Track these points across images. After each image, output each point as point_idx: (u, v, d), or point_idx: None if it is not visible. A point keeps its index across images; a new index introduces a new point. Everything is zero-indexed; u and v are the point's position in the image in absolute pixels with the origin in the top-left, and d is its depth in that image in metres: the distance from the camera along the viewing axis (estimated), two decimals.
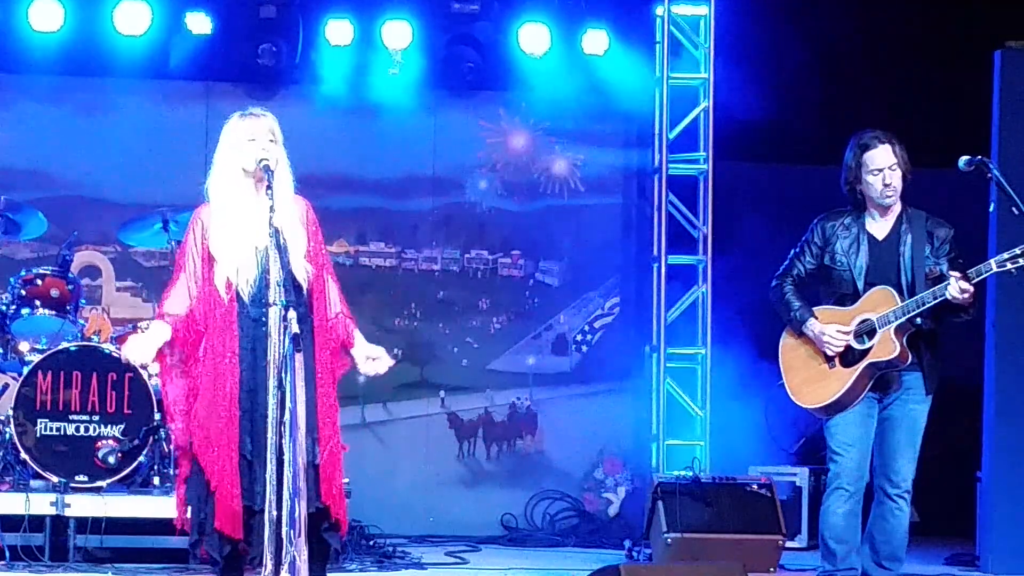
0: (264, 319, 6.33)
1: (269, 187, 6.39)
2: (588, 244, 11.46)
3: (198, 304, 6.46)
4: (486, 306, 11.44)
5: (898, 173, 7.26)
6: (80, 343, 9.24)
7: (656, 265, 10.96)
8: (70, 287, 9.50)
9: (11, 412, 9.00)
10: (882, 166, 7.25)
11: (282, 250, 6.33)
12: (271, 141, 6.52)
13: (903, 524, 7.33)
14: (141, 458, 9.07)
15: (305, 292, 6.47)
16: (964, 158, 7.26)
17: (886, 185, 7.26)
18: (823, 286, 7.42)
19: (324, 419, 6.46)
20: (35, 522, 8.73)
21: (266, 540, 6.17)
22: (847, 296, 7.30)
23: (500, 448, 11.39)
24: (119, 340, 9.41)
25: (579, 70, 11.10)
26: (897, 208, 7.34)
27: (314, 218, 6.64)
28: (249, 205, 6.50)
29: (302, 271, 6.46)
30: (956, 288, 7.01)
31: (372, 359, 6.64)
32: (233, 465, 6.37)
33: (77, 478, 8.93)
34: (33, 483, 8.91)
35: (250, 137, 6.51)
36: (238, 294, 6.44)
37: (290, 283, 6.33)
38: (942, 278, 7.12)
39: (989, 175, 7.30)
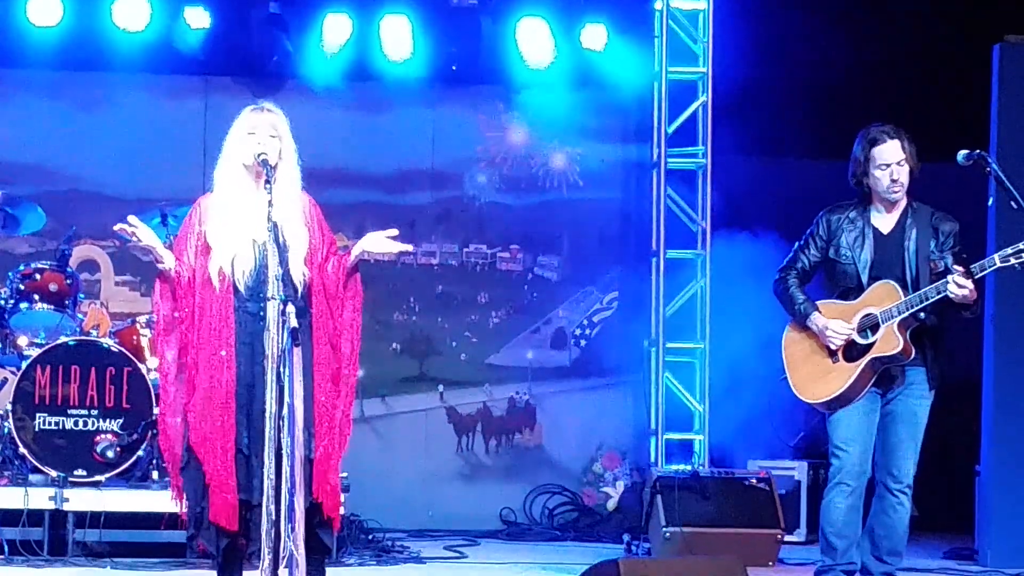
0: (262, 313, 6.29)
1: (268, 181, 6.34)
2: (587, 238, 11.43)
3: (191, 286, 6.41)
4: (485, 300, 11.42)
5: (906, 169, 7.22)
6: (79, 337, 9.21)
7: (655, 259, 10.92)
8: (68, 281, 9.47)
9: (10, 406, 8.98)
10: (890, 161, 7.21)
11: (281, 246, 6.30)
12: (272, 136, 6.48)
13: (904, 519, 7.30)
14: (140, 452, 9.05)
15: (302, 293, 6.42)
16: (963, 152, 7.21)
17: (893, 180, 7.21)
18: (827, 279, 7.38)
19: (321, 414, 6.41)
20: (34, 516, 8.70)
21: (263, 534, 6.13)
22: (851, 290, 7.25)
23: (499, 442, 11.36)
24: (118, 335, 9.39)
25: (578, 64, 11.05)
26: (903, 202, 7.29)
27: (317, 213, 6.60)
28: (249, 198, 6.47)
29: (299, 273, 6.41)
30: (954, 285, 6.97)
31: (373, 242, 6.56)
32: (229, 459, 6.35)
33: (76, 472, 8.91)
34: (32, 477, 8.89)
35: (250, 131, 6.50)
36: (236, 287, 6.41)
37: (288, 279, 6.30)
38: (947, 272, 7.08)
39: (988, 169, 7.26)
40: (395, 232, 6.61)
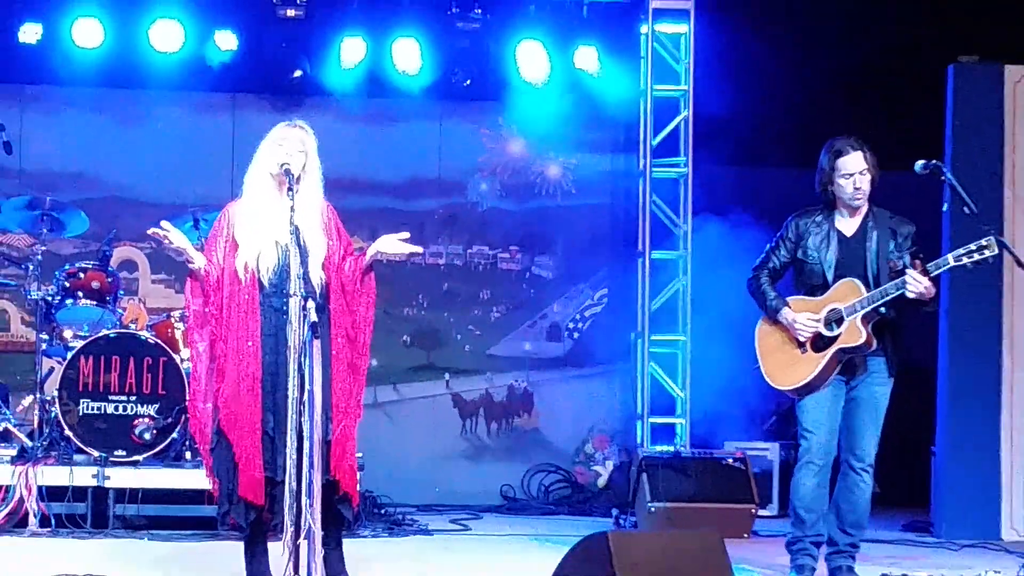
0: (285, 308, 6.31)
1: (290, 189, 6.37)
2: (579, 240, 11.44)
3: (219, 284, 6.43)
4: (487, 297, 11.42)
5: (867, 178, 7.23)
6: (119, 330, 9.23)
7: (641, 259, 10.92)
8: (109, 280, 9.49)
9: (56, 393, 9.00)
10: (853, 171, 7.22)
11: (302, 248, 6.32)
12: (300, 151, 6.49)
13: (866, 495, 7.30)
14: (174, 435, 9.07)
15: (321, 291, 6.43)
16: (920, 162, 7.22)
17: (856, 188, 7.22)
18: (796, 277, 7.39)
19: (338, 400, 6.43)
20: (78, 493, 8.73)
21: (286, 508, 6.15)
22: (817, 287, 7.26)
23: (499, 426, 11.37)
24: (154, 328, 9.42)
25: (571, 83, 11.07)
26: (864, 208, 7.30)
27: (335, 218, 6.61)
28: (273, 203, 6.49)
29: (318, 275, 6.43)
30: (913, 282, 6.97)
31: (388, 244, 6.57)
32: (256, 440, 6.36)
33: (116, 453, 8.93)
34: (76, 457, 8.91)
35: (279, 143, 6.51)
36: (261, 284, 6.42)
37: (308, 278, 6.33)
38: (905, 271, 7.09)
39: (943, 177, 7.26)
40: (406, 235, 6.62)
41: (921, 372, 9.44)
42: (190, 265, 6.50)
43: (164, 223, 6.49)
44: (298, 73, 10.75)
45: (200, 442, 6.57)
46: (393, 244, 6.59)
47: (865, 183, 7.22)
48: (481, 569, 8.07)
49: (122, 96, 11.01)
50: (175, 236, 6.46)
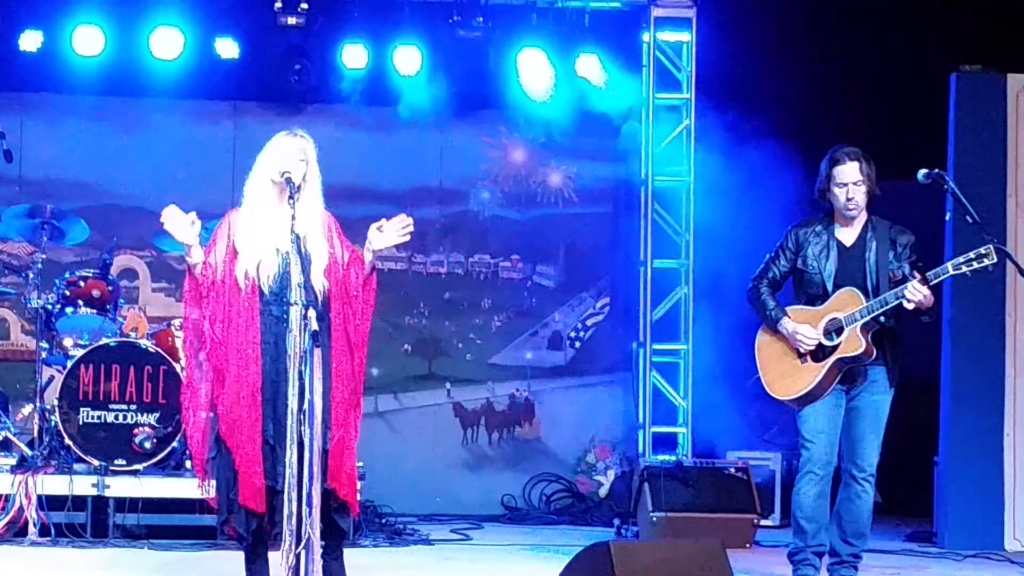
0: (286, 317, 6.32)
1: (291, 197, 6.39)
2: (581, 249, 11.46)
3: (214, 288, 6.44)
4: (488, 305, 11.44)
5: (862, 189, 7.25)
6: (119, 339, 9.25)
7: (643, 268, 10.95)
8: (110, 288, 9.52)
9: (56, 402, 9.03)
10: (847, 181, 7.25)
11: (303, 256, 6.34)
12: (301, 160, 6.50)
13: (868, 505, 7.33)
14: (174, 444, 9.09)
15: (322, 300, 6.45)
16: (923, 171, 7.24)
17: (849, 199, 7.25)
18: (795, 287, 7.42)
19: (337, 409, 6.45)
20: (78, 502, 8.76)
21: (285, 518, 6.17)
22: (817, 297, 7.29)
23: (501, 435, 11.38)
24: (154, 336, 9.44)
25: (573, 91, 11.09)
26: (863, 217, 7.33)
27: (337, 229, 6.63)
28: (274, 211, 6.50)
29: (319, 283, 6.44)
30: (911, 291, 7.00)
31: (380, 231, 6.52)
32: (256, 447, 6.37)
33: (116, 462, 8.96)
34: (76, 466, 8.94)
35: (281, 152, 6.52)
36: (261, 291, 6.44)
37: (310, 286, 6.34)
38: (904, 280, 7.13)
39: (945, 187, 7.29)
40: (387, 222, 6.54)
41: (923, 381, 9.46)
42: (187, 259, 6.48)
43: (169, 210, 6.44)
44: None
45: (194, 450, 6.57)
46: (381, 238, 6.54)
47: (859, 194, 7.24)
48: None
49: (122, 104, 11.04)
50: (179, 226, 6.40)
